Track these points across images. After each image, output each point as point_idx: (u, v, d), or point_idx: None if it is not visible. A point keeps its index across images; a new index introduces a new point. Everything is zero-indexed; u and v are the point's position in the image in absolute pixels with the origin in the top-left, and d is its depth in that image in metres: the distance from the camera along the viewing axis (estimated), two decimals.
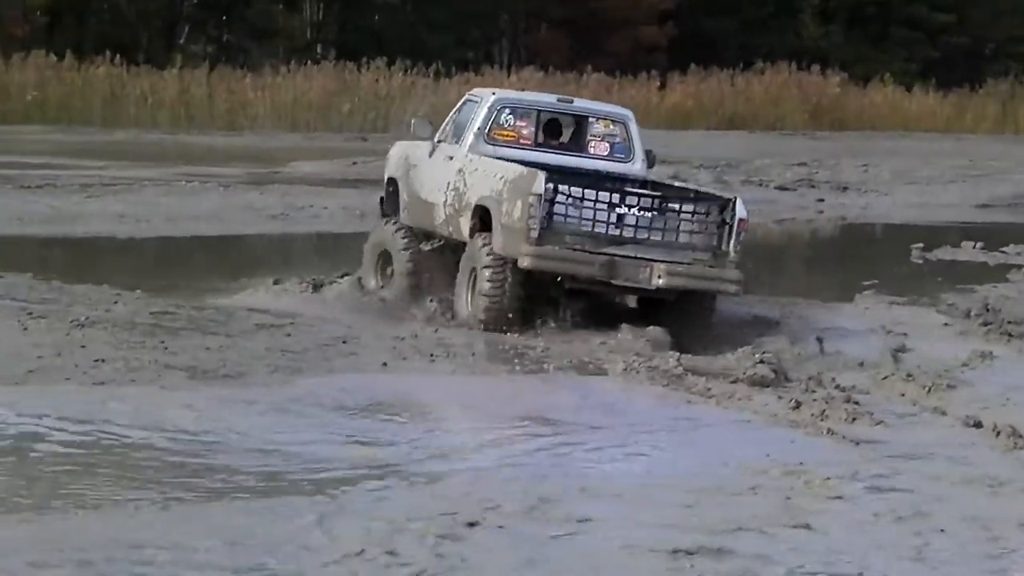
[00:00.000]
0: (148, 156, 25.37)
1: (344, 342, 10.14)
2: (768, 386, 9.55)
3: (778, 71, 39.86)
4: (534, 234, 10.46)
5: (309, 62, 36.04)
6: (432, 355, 9.87)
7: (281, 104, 33.50)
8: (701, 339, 10.77)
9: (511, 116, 11.69)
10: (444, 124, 12.16)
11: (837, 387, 9.55)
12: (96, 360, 8.81)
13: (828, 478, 7.19)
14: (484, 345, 10.36)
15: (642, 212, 10.68)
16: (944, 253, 18.29)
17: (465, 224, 11.27)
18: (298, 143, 29.82)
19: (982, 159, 30.85)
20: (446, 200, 11.62)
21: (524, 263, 10.53)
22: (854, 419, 8.77)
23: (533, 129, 11.74)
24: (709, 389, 9.34)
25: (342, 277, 12.59)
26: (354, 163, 23.76)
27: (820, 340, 11.12)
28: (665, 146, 30.03)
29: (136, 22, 40.88)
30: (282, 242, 17.81)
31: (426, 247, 12.07)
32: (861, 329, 11.96)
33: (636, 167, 11.79)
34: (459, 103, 12.29)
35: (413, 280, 12.02)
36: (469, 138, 11.61)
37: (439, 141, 12.00)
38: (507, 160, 11.26)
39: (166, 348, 9.34)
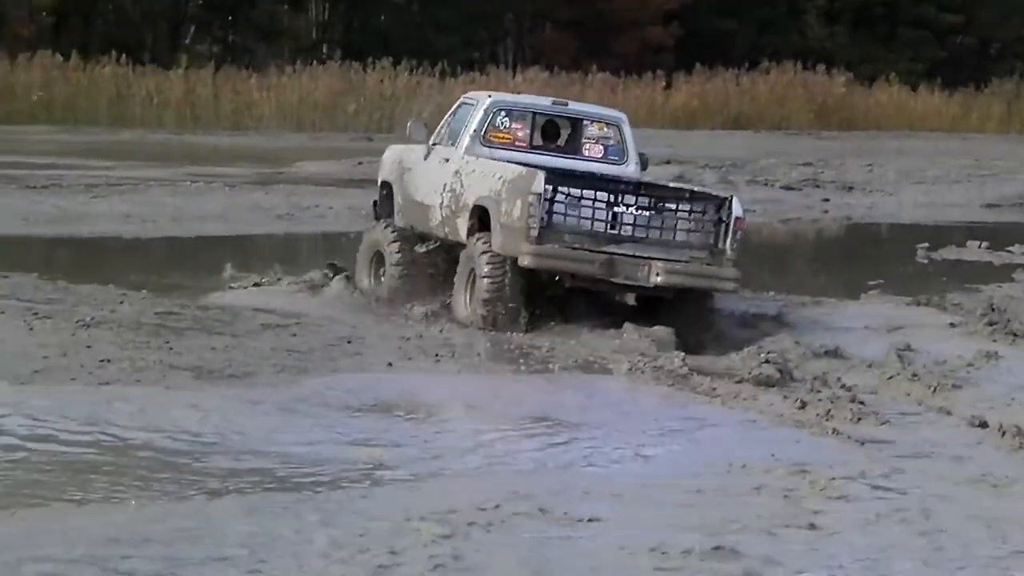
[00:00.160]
0: (154, 156, 25.39)
1: (349, 342, 10.15)
2: (773, 386, 9.55)
3: (783, 71, 39.84)
4: (534, 233, 10.53)
5: (315, 62, 36.08)
6: (437, 355, 9.88)
7: (287, 104, 33.52)
8: (700, 336, 10.83)
9: (507, 119, 11.80)
10: (439, 127, 12.27)
11: (842, 387, 9.54)
12: (102, 360, 8.82)
13: (833, 478, 7.19)
14: (489, 345, 10.37)
15: (640, 211, 10.79)
16: (949, 253, 18.27)
17: (462, 225, 11.33)
18: (304, 143, 29.85)
19: (988, 159, 30.82)
20: (442, 202, 11.68)
21: (524, 261, 10.59)
22: (859, 419, 8.77)
23: (528, 131, 11.86)
24: (714, 389, 9.34)
25: (333, 275, 12.68)
26: (360, 163, 23.77)
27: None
28: (670, 146, 30.16)
29: (141, 22, 40.93)
30: (288, 242, 17.82)
31: (420, 249, 12.13)
32: (866, 329, 11.96)
33: (630, 169, 11.90)
34: (454, 107, 12.39)
35: (406, 281, 12.09)
36: (465, 140, 11.70)
37: (434, 144, 12.08)
38: (504, 161, 11.35)
39: (171, 348, 9.35)
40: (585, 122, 11.98)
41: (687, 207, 10.90)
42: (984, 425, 8.67)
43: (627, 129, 12.01)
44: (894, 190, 25.97)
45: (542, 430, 8.28)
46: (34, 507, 6.19)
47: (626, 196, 10.82)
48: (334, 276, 12.66)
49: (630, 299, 11.61)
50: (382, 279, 12.37)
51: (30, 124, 30.39)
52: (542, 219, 10.54)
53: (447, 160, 11.78)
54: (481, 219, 11.10)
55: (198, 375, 8.76)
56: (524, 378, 9.54)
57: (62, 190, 19.25)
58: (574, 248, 10.61)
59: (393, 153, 12.88)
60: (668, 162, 26.14)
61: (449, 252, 11.81)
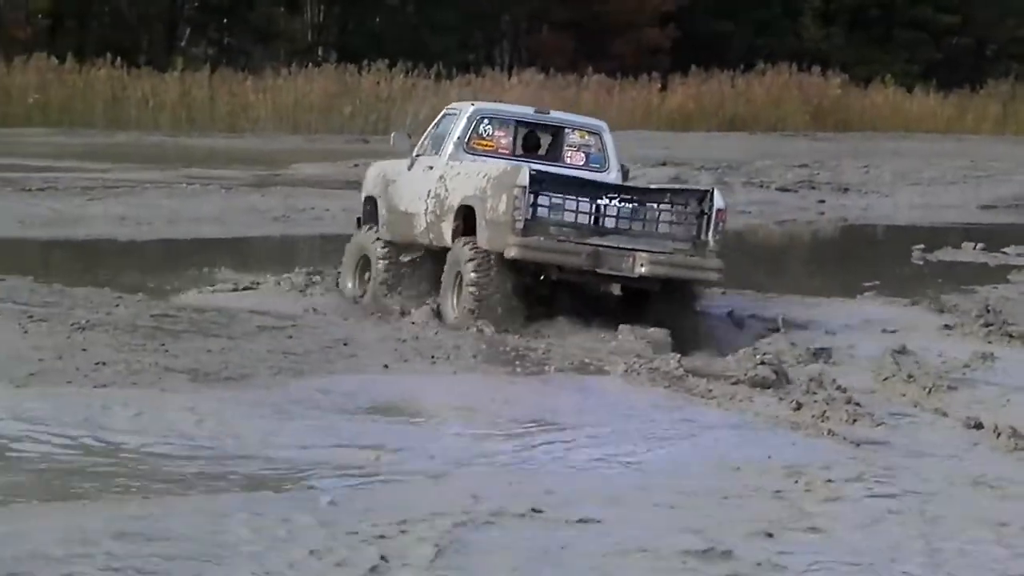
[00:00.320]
0: (150, 158, 25.39)
1: (345, 344, 10.15)
2: (769, 387, 9.57)
3: (779, 73, 39.88)
4: (519, 226, 10.72)
5: (310, 64, 36.09)
6: (433, 357, 9.88)
7: (282, 106, 33.53)
8: (684, 328, 11.00)
9: (490, 126, 12.00)
10: (423, 138, 12.48)
11: (838, 388, 9.55)
12: (97, 363, 8.81)
13: (829, 480, 7.19)
14: (485, 347, 10.38)
15: (623, 204, 11.00)
16: (945, 254, 18.30)
17: (447, 228, 11.50)
18: (299, 145, 29.85)
19: (983, 160, 30.85)
20: (427, 208, 11.85)
21: (511, 253, 10.75)
22: (855, 420, 8.77)
23: (511, 139, 12.07)
24: (710, 390, 9.35)
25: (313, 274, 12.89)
26: (355, 165, 23.77)
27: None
28: (666, 148, 30.18)
29: (137, 25, 40.93)
30: (284, 244, 17.83)
31: (406, 258, 12.30)
32: (862, 330, 11.97)
33: (611, 177, 12.05)
34: (437, 117, 12.60)
35: (393, 285, 12.25)
36: (449, 148, 11.91)
37: (418, 155, 12.26)
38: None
39: (167, 351, 9.34)
40: (567, 130, 12.19)
41: (669, 199, 11.12)
42: (980, 426, 8.67)
43: (608, 138, 12.23)
44: (890, 191, 25.99)
45: (538, 432, 8.28)
46: (30, 507, 6.19)
47: (610, 190, 11.06)
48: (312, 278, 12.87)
49: (615, 291, 11.70)
50: (367, 283, 12.52)
51: (26, 126, 30.38)
52: (527, 211, 10.69)
53: (431, 168, 11.97)
54: (466, 220, 11.27)
55: (194, 377, 8.76)
56: (520, 380, 9.54)
57: (58, 192, 19.25)
58: (559, 240, 10.77)
59: (376, 169, 13.12)
60: (664, 164, 26.17)
61: (434, 260, 11.97)
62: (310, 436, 7.70)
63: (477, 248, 11.00)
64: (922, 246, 18.41)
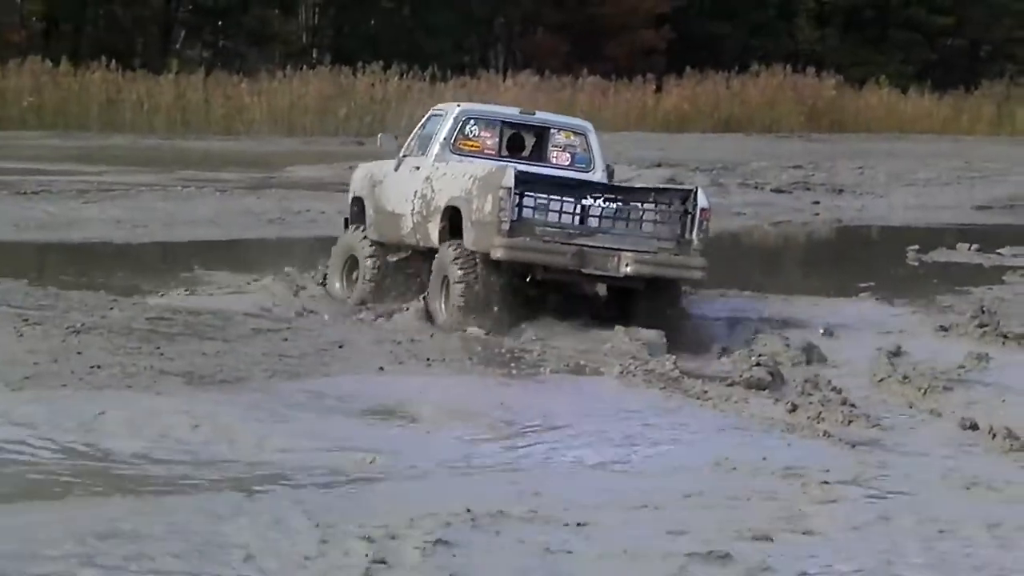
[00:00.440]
0: (145, 161, 25.37)
1: (341, 346, 10.15)
2: (764, 389, 9.57)
3: (774, 74, 39.89)
4: (505, 226, 10.80)
5: (305, 67, 36.08)
6: (428, 359, 9.88)
7: (277, 109, 33.52)
8: (681, 329, 11.10)
9: (476, 127, 12.10)
10: (409, 139, 12.57)
11: (833, 389, 9.55)
12: (92, 366, 8.81)
13: (825, 481, 7.19)
14: (480, 349, 10.38)
15: (608, 204, 11.10)
16: (940, 255, 18.31)
17: (434, 229, 11.57)
18: (295, 147, 29.83)
19: (978, 161, 30.88)
20: (414, 208, 11.94)
21: (497, 254, 10.83)
22: (850, 421, 8.77)
23: (497, 140, 12.15)
24: (706, 392, 9.35)
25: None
26: (351, 167, 23.63)
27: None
28: (661, 149, 30.18)
29: (132, 28, 40.91)
30: (279, 246, 17.81)
31: (393, 259, 12.39)
32: (857, 331, 11.97)
33: (596, 176, 12.14)
34: (423, 119, 12.68)
35: (378, 287, 12.33)
36: (435, 148, 11.99)
37: (404, 155, 12.34)
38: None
39: (162, 354, 9.34)
40: (552, 131, 12.28)
41: (653, 199, 11.22)
42: (975, 427, 8.68)
43: (593, 138, 12.32)
44: (885, 192, 26.00)
45: (533, 434, 8.28)
46: (25, 507, 6.18)
47: (595, 190, 11.17)
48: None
49: (601, 291, 11.74)
50: (355, 283, 12.61)
51: (21, 129, 30.35)
52: (513, 212, 10.77)
53: (418, 168, 12.06)
54: (452, 221, 11.34)
55: (189, 380, 8.75)
56: (515, 382, 9.54)
57: (53, 196, 19.23)
58: (545, 241, 10.85)
59: (363, 170, 13.19)
60: (659, 165, 26.18)
61: (421, 260, 12.05)
62: (305, 439, 7.69)
63: (463, 250, 11.06)
64: (917, 247, 18.42)
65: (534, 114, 12.64)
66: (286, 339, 10.22)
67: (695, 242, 11.03)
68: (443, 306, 11.24)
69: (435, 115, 12.42)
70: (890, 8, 48.40)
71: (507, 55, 45.20)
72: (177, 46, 41.29)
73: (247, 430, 7.72)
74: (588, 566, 5.81)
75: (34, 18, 39.75)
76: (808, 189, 25.36)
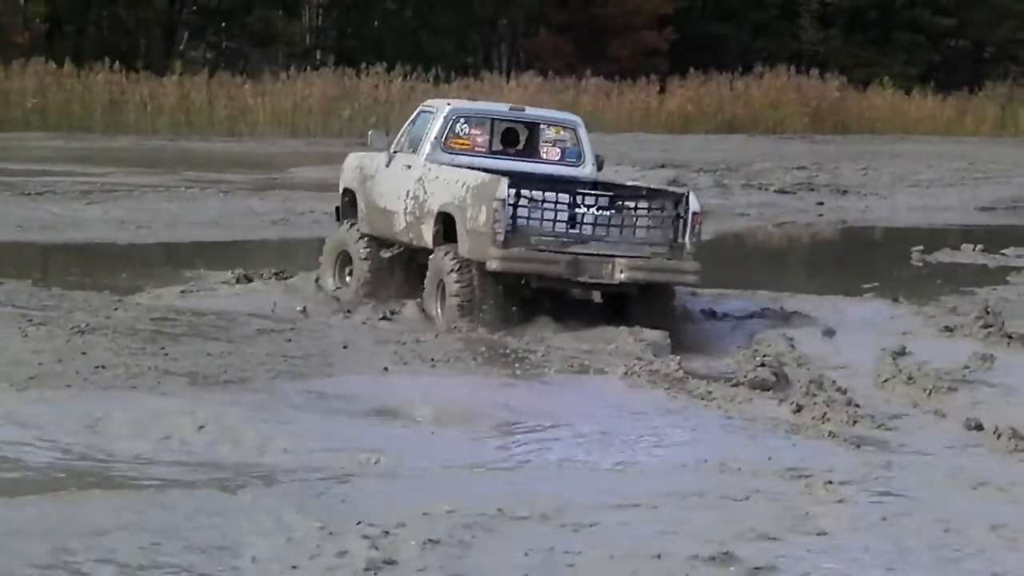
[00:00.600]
0: (148, 162, 25.39)
1: (345, 347, 10.15)
2: (769, 389, 9.56)
3: (777, 75, 39.90)
4: (500, 238, 10.82)
5: (309, 68, 36.10)
6: (433, 360, 9.88)
7: (281, 110, 33.54)
8: (674, 327, 11.15)
9: (466, 125, 12.13)
10: (399, 135, 12.56)
11: (838, 390, 9.54)
12: (97, 366, 8.81)
13: (830, 481, 7.19)
14: (485, 349, 10.37)
15: (601, 211, 11.18)
16: (944, 256, 18.29)
17: (427, 231, 11.61)
18: (298, 148, 29.85)
19: (982, 162, 30.86)
20: (406, 208, 11.95)
21: (492, 266, 10.88)
22: (855, 422, 8.77)
23: (487, 137, 12.20)
24: (710, 392, 9.34)
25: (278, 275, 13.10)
26: None
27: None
28: (664, 150, 30.17)
29: (135, 29, 40.95)
30: (282, 247, 17.82)
31: (386, 254, 12.37)
32: (861, 332, 11.96)
33: (586, 170, 12.24)
34: (413, 115, 12.69)
35: (371, 283, 12.37)
36: (426, 147, 12.00)
37: (395, 152, 12.35)
38: (464, 167, 11.66)
39: (167, 354, 9.34)
40: (542, 126, 12.34)
41: (646, 204, 11.27)
42: (979, 427, 8.67)
43: (583, 132, 12.40)
44: (888, 193, 25.99)
45: (538, 434, 8.28)
46: (29, 505, 6.18)
47: (587, 197, 11.20)
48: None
49: (596, 297, 11.77)
50: (347, 279, 12.66)
51: (24, 131, 30.38)
52: (507, 223, 10.80)
53: (409, 167, 12.07)
54: (446, 224, 11.38)
55: (193, 381, 8.75)
56: (519, 382, 9.54)
57: (57, 196, 19.25)
58: (539, 250, 10.92)
59: (353, 160, 13.17)
60: (663, 166, 26.17)
61: (414, 255, 12.08)
62: (309, 439, 7.69)
63: (458, 260, 11.11)
64: (921, 248, 18.40)
65: (524, 110, 12.71)
66: (290, 340, 10.22)
67: (688, 246, 11.08)
68: (439, 309, 11.30)
69: (425, 111, 12.42)
70: (893, 9, 48.39)
71: (510, 56, 45.21)
72: (181, 47, 41.32)
73: (251, 430, 7.72)
74: (591, 567, 5.80)
75: (38, 19, 39.79)
76: (812, 190, 25.35)
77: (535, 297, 11.40)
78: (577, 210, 11.09)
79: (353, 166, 13.04)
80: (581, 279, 11.02)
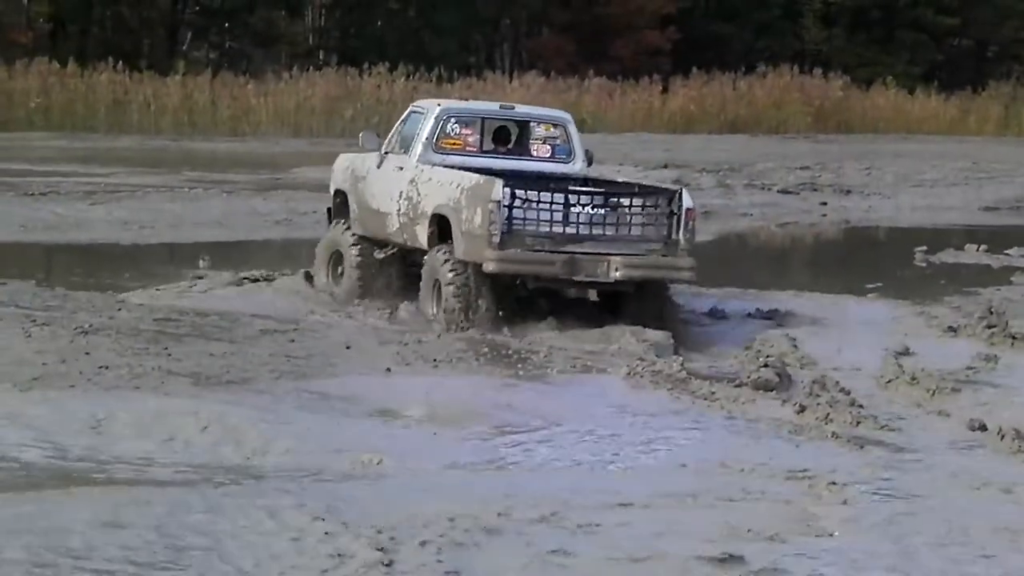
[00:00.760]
0: (152, 162, 25.41)
1: (348, 347, 10.16)
2: (772, 390, 9.55)
3: (780, 75, 39.89)
4: (496, 239, 10.85)
5: (312, 68, 36.13)
6: (435, 360, 9.88)
7: (284, 110, 33.56)
8: (660, 325, 11.15)
9: (456, 125, 12.18)
10: (390, 136, 12.58)
11: (841, 390, 9.53)
12: (100, 367, 8.82)
13: (834, 482, 7.18)
14: (487, 350, 10.38)
15: (595, 209, 11.19)
16: (948, 256, 18.28)
17: (422, 232, 11.63)
18: (301, 149, 29.85)
19: (985, 161, 30.84)
20: (399, 209, 11.98)
21: (489, 267, 10.91)
22: (858, 422, 8.76)
23: (478, 136, 12.24)
24: (713, 393, 9.33)
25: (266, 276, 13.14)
26: None
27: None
28: (667, 150, 30.16)
29: (139, 29, 40.98)
30: (285, 247, 17.83)
31: (379, 255, 12.38)
32: (865, 332, 11.95)
33: (577, 167, 12.33)
34: (404, 115, 12.73)
35: (364, 282, 12.40)
36: (418, 148, 12.03)
37: (386, 152, 12.38)
38: (456, 167, 11.71)
39: (170, 354, 9.35)
40: (532, 124, 12.40)
41: (639, 202, 11.30)
42: (983, 428, 8.66)
43: (573, 129, 12.49)
44: (892, 193, 25.98)
45: (540, 435, 8.28)
46: (31, 503, 6.19)
47: (582, 196, 11.24)
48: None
49: (592, 295, 11.81)
50: (340, 277, 12.69)
51: (28, 131, 30.41)
52: (503, 225, 10.84)
53: (401, 168, 12.09)
54: (440, 226, 11.40)
55: (197, 381, 8.76)
56: (522, 383, 9.54)
57: (60, 197, 19.26)
58: (535, 251, 10.95)
59: (344, 162, 13.21)
60: (665, 166, 26.17)
61: (408, 255, 12.12)
62: (312, 439, 7.70)
63: (453, 260, 11.13)
64: (925, 248, 18.39)
65: (513, 108, 12.76)
66: (293, 340, 10.23)
67: (682, 242, 11.14)
68: (435, 309, 11.32)
69: (415, 112, 12.46)
70: (896, 9, 48.39)
71: (513, 56, 45.20)
72: (184, 47, 41.35)
73: (253, 431, 7.72)
74: (594, 568, 5.80)
75: (41, 19, 39.82)
76: (815, 190, 25.34)
77: (532, 297, 11.43)
78: (572, 209, 11.13)
79: (344, 167, 13.08)
80: (577, 278, 11.07)
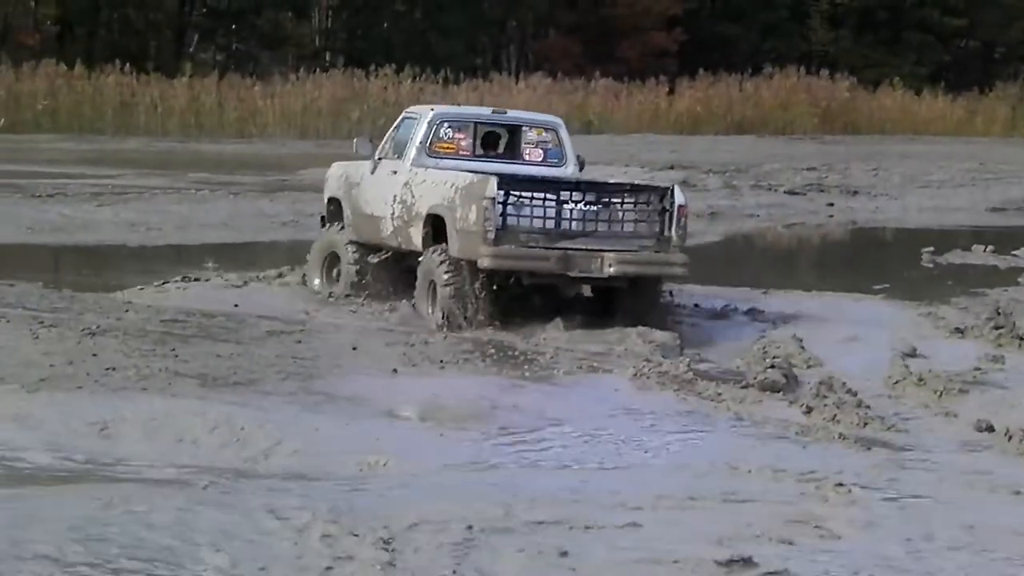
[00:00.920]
0: (159, 164, 25.45)
1: (354, 348, 10.17)
2: (779, 391, 9.54)
3: (787, 76, 39.89)
4: (491, 236, 10.97)
5: (318, 70, 36.19)
6: (442, 361, 9.89)
7: (291, 112, 33.60)
8: (651, 322, 11.29)
9: (449, 129, 12.31)
10: (383, 142, 12.72)
11: (848, 391, 9.52)
12: (107, 368, 8.83)
13: (841, 483, 7.17)
14: (494, 351, 10.38)
15: (588, 207, 11.32)
16: (955, 257, 18.26)
17: (416, 234, 11.74)
18: (308, 150, 29.89)
19: (992, 162, 30.82)
20: (394, 212, 12.09)
21: (484, 263, 11.00)
22: (866, 423, 8.75)
23: (471, 140, 12.38)
24: (720, 394, 9.33)
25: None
26: None
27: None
28: (674, 151, 30.17)
29: (145, 31, 41.06)
30: (292, 249, 17.85)
31: (374, 259, 12.49)
32: (872, 333, 11.94)
33: (568, 171, 12.45)
34: (397, 121, 12.86)
35: (359, 285, 12.48)
36: (412, 152, 12.16)
37: (380, 158, 12.48)
38: (450, 170, 11.79)
39: (177, 356, 9.36)
40: (524, 128, 12.53)
41: (632, 199, 11.43)
42: (991, 429, 8.65)
43: (564, 133, 12.62)
44: (899, 194, 25.96)
45: (547, 436, 8.27)
46: (34, 501, 6.20)
47: (574, 193, 11.38)
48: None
49: (586, 291, 11.85)
50: (335, 279, 12.79)
51: (35, 133, 30.48)
52: (498, 222, 10.94)
53: (395, 172, 12.19)
54: (435, 227, 11.48)
55: (204, 382, 8.77)
56: (529, 384, 9.54)
57: (67, 198, 19.30)
58: (529, 247, 11.07)
59: (337, 169, 13.33)
60: (672, 167, 26.17)
61: (404, 258, 12.18)
62: (318, 440, 7.70)
63: (448, 259, 11.22)
64: (932, 249, 18.38)
65: (506, 113, 12.93)
66: (299, 341, 10.24)
67: (674, 239, 11.25)
68: (431, 309, 11.37)
69: (408, 118, 12.59)
70: (903, 10, 48.38)
71: (519, 57, 45.24)
72: (191, 49, 41.42)
73: (260, 432, 7.73)
74: (600, 570, 5.79)
75: (48, 21, 39.90)
76: (822, 191, 25.33)
77: (529, 296, 11.51)
78: (565, 206, 11.24)
79: (337, 175, 13.20)
80: (571, 274, 11.18)
